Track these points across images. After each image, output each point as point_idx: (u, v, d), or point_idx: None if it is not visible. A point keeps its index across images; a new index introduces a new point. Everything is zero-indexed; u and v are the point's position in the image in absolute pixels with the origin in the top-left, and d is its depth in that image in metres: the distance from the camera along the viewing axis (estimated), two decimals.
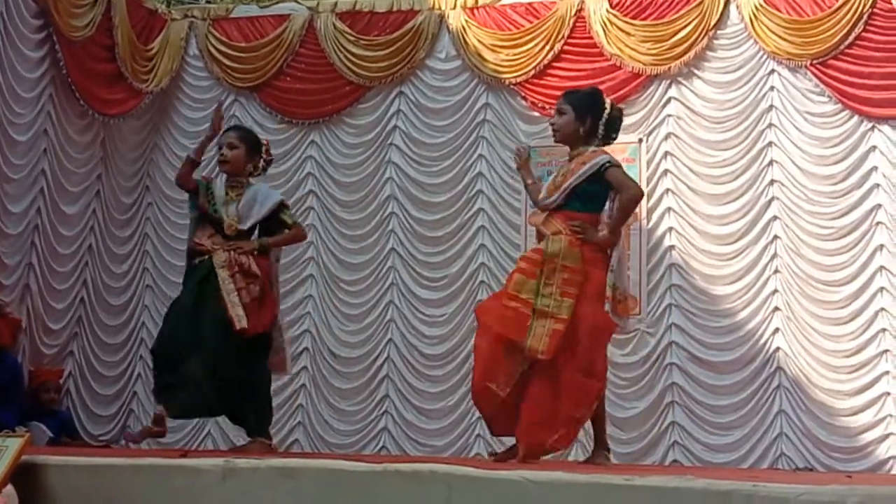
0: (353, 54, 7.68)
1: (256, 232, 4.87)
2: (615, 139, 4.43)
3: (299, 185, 7.72)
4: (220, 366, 4.47)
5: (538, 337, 4.05)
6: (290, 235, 4.94)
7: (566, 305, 4.10)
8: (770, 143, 7.02)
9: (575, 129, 4.28)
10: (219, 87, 7.95)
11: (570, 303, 4.11)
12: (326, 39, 7.73)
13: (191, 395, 4.48)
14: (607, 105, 4.36)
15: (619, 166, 4.35)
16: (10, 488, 2.81)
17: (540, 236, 4.40)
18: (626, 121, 6.81)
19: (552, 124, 4.38)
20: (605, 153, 4.37)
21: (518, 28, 7.49)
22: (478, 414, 6.92)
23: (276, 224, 4.84)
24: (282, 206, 4.89)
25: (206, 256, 4.64)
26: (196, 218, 4.85)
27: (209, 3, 7.97)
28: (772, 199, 6.99)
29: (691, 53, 7.16)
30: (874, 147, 6.79)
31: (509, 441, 6.58)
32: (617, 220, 4.28)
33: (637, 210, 5.62)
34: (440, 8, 7.60)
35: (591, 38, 7.32)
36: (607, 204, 4.36)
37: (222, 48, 7.91)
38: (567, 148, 4.49)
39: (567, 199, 4.22)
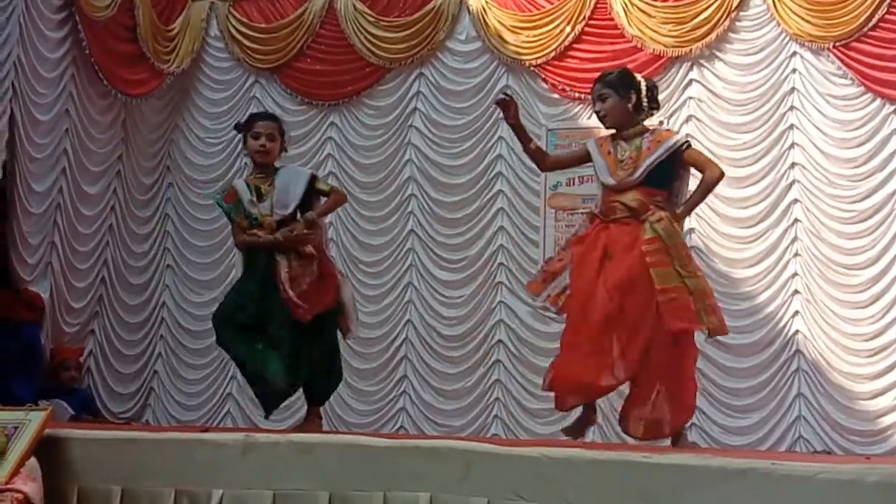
0: (373, 35, 7.67)
1: (297, 211, 4.77)
2: (658, 109, 4.46)
3: (319, 167, 7.67)
4: (290, 351, 4.48)
5: (711, 315, 4.09)
6: (332, 201, 4.81)
7: (703, 278, 4.19)
8: (791, 126, 6.98)
9: (624, 109, 4.29)
10: (239, 67, 7.97)
11: (703, 275, 4.22)
12: (346, 20, 7.72)
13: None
14: (640, 78, 4.39)
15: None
16: (33, 461, 2.84)
17: (608, 210, 4.31)
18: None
19: (598, 111, 4.35)
20: (678, 132, 4.49)
21: (539, 9, 7.46)
22: (495, 395, 7.20)
23: (313, 195, 4.74)
24: (314, 179, 4.78)
25: (263, 250, 4.58)
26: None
27: None
28: (793, 182, 6.95)
29: (713, 35, 7.11)
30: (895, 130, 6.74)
31: (526, 421, 6.73)
32: (697, 198, 4.34)
33: None
34: None
35: (612, 19, 7.28)
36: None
37: (243, 29, 7.91)
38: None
39: (646, 175, 4.23)
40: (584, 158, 4.48)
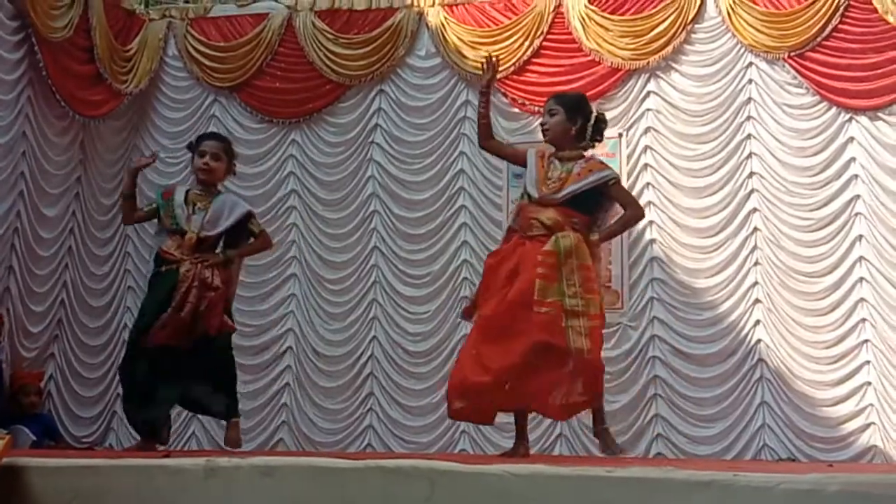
0: (332, 53, 7.68)
1: (222, 241, 4.87)
2: (600, 142, 4.58)
3: (281, 185, 7.73)
4: (191, 376, 4.64)
5: (578, 336, 4.16)
6: (256, 245, 4.96)
7: (594, 303, 4.26)
8: (749, 136, 7.07)
9: (566, 130, 4.41)
10: (198, 86, 7.96)
11: (597, 300, 4.30)
12: (306, 38, 7.74)
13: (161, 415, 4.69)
14: (593, 109, 4.55)
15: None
16: None
17: (526, 226, 4.42)
18: (606, 115, 6.93)
19: (543, 124, 4.48)
20: (610, 167, 4.59)
21: (497, 24, 7.51)
22: None
23: (243, 232, 4.87)
24: (249, 216, 4.88)
25: (174, 266, 4.67)
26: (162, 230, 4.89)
27: (187, 2, 7.95)
28: (751, 191, 7.03)
29: (669, 48, 7.21)
30: (852, 138, 6.84)
31: (492, 435, 6.72)
32: (613, 231, 4.55)
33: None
34: (419, 5, 7.61)
35: (569, 33, 7.36)
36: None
37: (201, 48, 7.90)
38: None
39: (570, 199, 4.36)
40: (521, 161, 4.57)
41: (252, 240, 4.88)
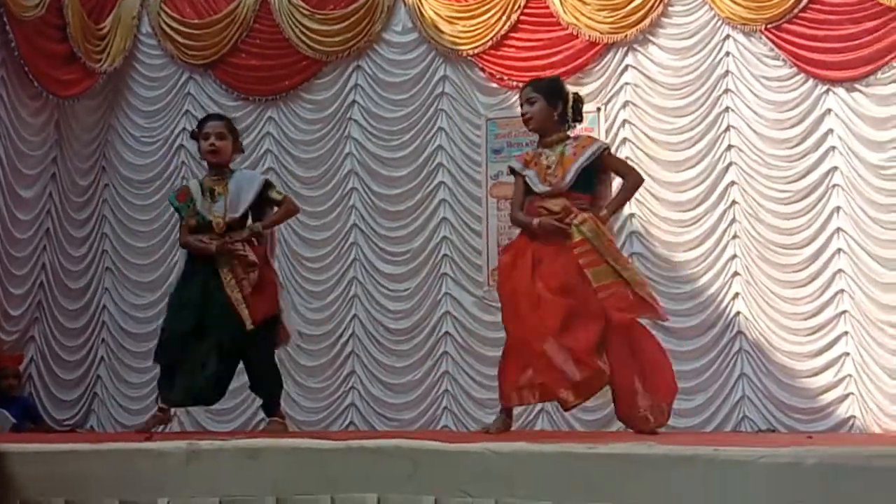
0: (308, 28, 7.63)
1: (249, 218, 4.78)
2: (580, 122, 4.56)
3: (258, 163, 7.65)
4: (227, 356, 4.53)
5: (648, 304, 4.11)
6: (282, 213, 4.81)
7: (634, 269, 4.30)
8: (727, 109, 7.09)
9: (549, 115, 4.38)
10: (173, 64, 7.92)
11: (634, 267, 4.38)
12: (281, 14, 7.69)
13: (190, 383, 4.50)
14: (568, 89, 4.51)
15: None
16: None
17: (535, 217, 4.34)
18: (584, 90, 7.10)
19: (524, 114, 4.44)
20: (599, 139, 4.68)
21: None
22: (444, 387, 7.22)
23: (266, 202, 4.76)
24: (267, 185, 4.77)
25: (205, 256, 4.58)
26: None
27: None
28: (729, 164, 7.05)
29: (647, 21, 7.21)
30: (829, 110, 6.87)
31: (475, 411, 6.72)
32: (618, 202, 4.45)
33: None
34: None
35: (547, 7, 7.36)
36: None
37: (175, 25, 7.85)
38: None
39: (574, 180, 4.30)
40: (524, 185, 4.45)
41: (276, 209, 4.77)
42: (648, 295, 4.13)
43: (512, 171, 4.44)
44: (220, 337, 4.49)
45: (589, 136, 4.57)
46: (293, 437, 2.89)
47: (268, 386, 4.72)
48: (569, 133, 4.45)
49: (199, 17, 7.84)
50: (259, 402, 4.94)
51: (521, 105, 4.46)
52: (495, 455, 2.62)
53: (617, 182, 4.46)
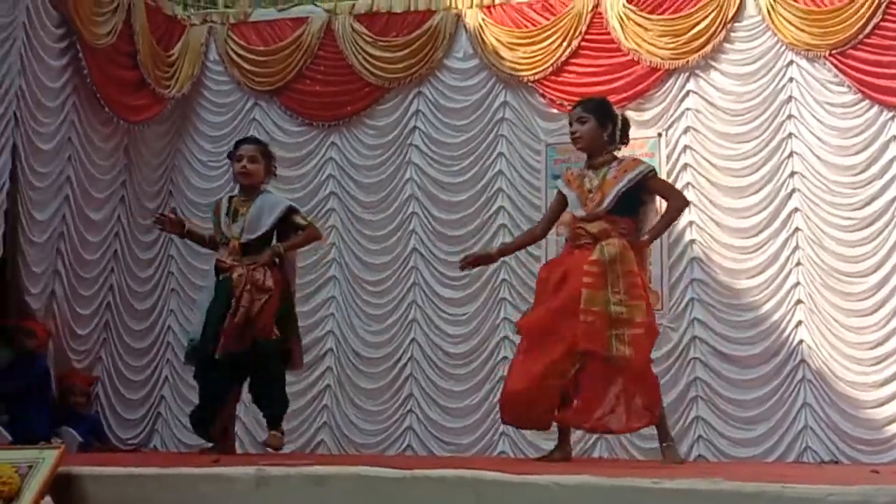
0: (371, 56, 7.72)
1: (274, 239, 4.99)
2: (626, 145, 4.63)
3: (320, 188, 7.76)
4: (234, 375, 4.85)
5: (621, 344, 4.15)
6: (304, 237, 5.03)
7: (640, 309, 4.23)
8: (790, 135, 7.01)
9: (599, 136, 4.43)
10: (239, 90, 8.02)
11: (643, 305, 4.25)
12: (345, 41, 7.77)
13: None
14: (617, 112, 4.59)
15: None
16: (47, 499, 2.87)
17: (575, 236, 4.48)
18: (645, 115, 7.10)
19: (574, 132, 4.49)
20: (644, 162, 4.64)
21: (535, 25, 7.50)
22: None
23: (290, 227, 4.96)
24: (291, 210, 4.98)
25: (228, 273, 4.80)
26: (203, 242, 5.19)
27: (227, 7, 8.04)
28: (792, 190, 6.97)
29: (709, 47, 7.17)
30: (894, 136, 6.77)
31: (532, 436, 6.72)
32: (661, 227, 4.49)
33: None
34: (457, 7, 7.63)
35: (608, 33, 7.34)
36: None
37: (242, 52, 7.96)
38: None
39: (615, 204, 4.35)
40: (562, 201, 4.60)
41: (299, 233, 4.95)
42: (627, 337, 4.14)
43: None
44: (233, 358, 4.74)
45: (634, 159, 4.58)
46: (357, 463, 2.92)
47: (274, 405, 4.92)
48: (615, 154, 4.49)
49: (264, 45, 7.94)
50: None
51: (571, 124, 4.50)
52: (560, 488, 2.61)
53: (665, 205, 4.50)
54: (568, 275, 4.32)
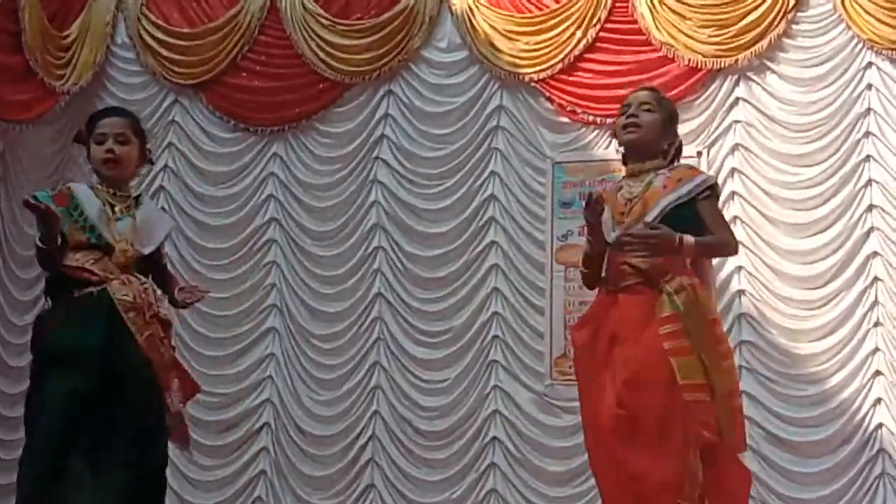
0: (327, 43, 7.01)
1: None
2: (674, 163, 4.17)
3: (258, 212, 7.09)
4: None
5: (729, 425, 3.70)
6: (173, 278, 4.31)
7: (729, 370, 3.81)
8: (867, 157, 6.28)
9: (660, 135, 4.00)
10: (155, 84, 7.30)
11: (732, 364, 3.87)
12: (294, 24, 7.05)
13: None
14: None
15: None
16: None
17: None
18: (683, 128, 6.46)
19: (633, 117, 3.97)
20: (703, 171, 4.46)
21: (541, 9, 6.80)
22: None
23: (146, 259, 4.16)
24: (167, 236, 4.38)
25: (99, 288, 3.79)
26: (57, 249, 3.84)
27: None
28: (870, 229, 6.25)
29: (764, 42, 6.42)
30: None
31: None
32: (710, 248, 4.03)
33: None
34: None
35: (635, 22, 6.62)
36: None
37: (159, 35, 7.27)
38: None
39: (661, 219, 3.79)
40: (603, 227, 4.11)
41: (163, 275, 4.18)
42: (732, 413, 3.70)
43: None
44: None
45: (690, 167, 4.19)
46: None
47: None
48: (688, 166, 4.24)
49: (189, 26, 7.25)
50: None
51: (629, 106, 4.02)
52: None
53: None
54: (621, 334, 3.76)
